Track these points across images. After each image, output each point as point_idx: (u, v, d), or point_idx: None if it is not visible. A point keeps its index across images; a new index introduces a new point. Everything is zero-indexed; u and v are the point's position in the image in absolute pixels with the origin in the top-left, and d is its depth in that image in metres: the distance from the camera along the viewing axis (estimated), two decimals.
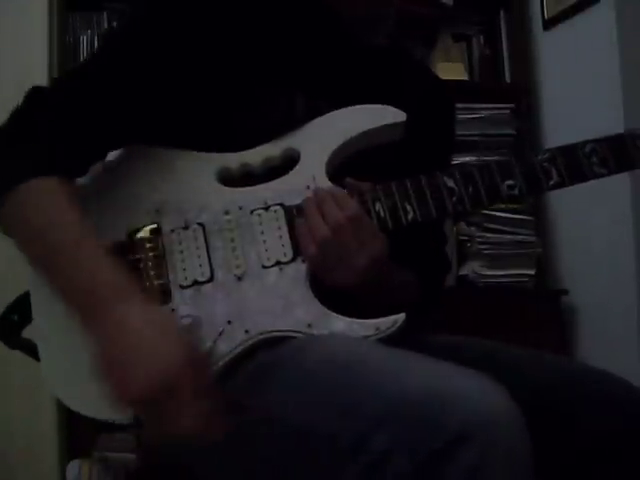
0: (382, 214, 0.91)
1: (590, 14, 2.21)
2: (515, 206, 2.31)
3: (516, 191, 0.93)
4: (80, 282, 0.78)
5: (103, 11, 2.26)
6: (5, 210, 0.86)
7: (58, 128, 0.89)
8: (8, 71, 2.07)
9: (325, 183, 0.92)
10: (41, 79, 2.06)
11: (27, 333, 0.95)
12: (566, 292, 2.28)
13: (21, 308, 0.96)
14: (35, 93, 0.93)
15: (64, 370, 0.90)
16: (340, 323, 0.86)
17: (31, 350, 0.92)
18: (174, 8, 0.97)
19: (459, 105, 2.28)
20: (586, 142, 0.94)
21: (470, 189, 0.92)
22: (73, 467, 1.95)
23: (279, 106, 0.96)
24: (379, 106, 0.96)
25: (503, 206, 2.28)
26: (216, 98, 0.96)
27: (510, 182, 0.93)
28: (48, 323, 0.92)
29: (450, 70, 2.40)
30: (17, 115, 0.92)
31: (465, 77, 2.46)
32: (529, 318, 2.15)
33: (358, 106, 0.96)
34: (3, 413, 2.00)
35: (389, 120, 0.96)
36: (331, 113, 0.96)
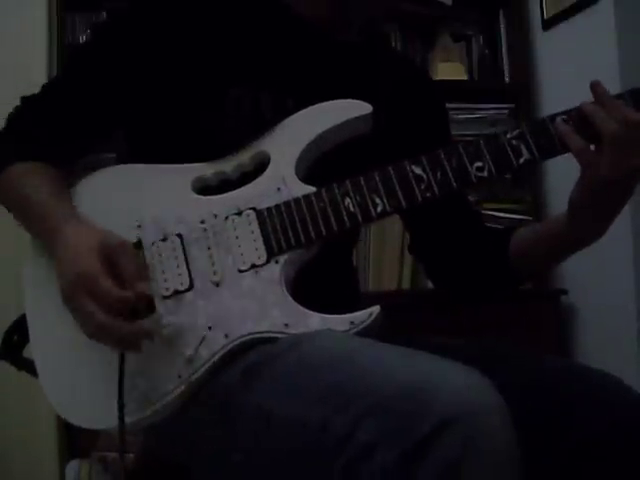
0: (352, 209, 0.91)
1: (589, 14, 2.21)
2: (515, 206, 2.31)
3: (485, 173, 0.91)
4: (42, 223, 0.95)
5: (102, 11, 2.25)
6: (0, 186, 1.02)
7: (40, 124, 1.02)
8: (8, 71, 2.07)
9: (295, 183, 0.93)
10: (40, 79, 2.06)
11: (27, 353, 1.00)
12: (565, 292, 2.27)
13: (20, 329, 0.99)
14: (23, 100, 1.06)
15: (60, 385, 0.93)
16: (316, 320, 0.87)
17: (32, 368, 0.96)
18: (139, 12, 1.02)
19: (458, 105, 2.31)
20: (555, 115, 0.93)
21: (438, 175, 0.91)
22: (72, 467, 1.95)
23: (245, 105, 0.98)
24: (343, 101, 0.97)
25: (503, 207, 2.29)
26: (182, 100, 0.99)
27: (479, 164, 0.91)
28: (44, 341, 0.96)
29: (449, 70, 2.40)
30: (9, 117, 1.06)
31: (464, 77, 2.46)
32: (528, 318, 2.14)
33: (323, 103, 0.97)
34: (2, 413, 2.00)
35: (354, 113, 0.96)
36: (297, 113, 0.97)
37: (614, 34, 2.11)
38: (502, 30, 2.53)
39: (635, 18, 2.11)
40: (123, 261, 0.87)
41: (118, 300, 0.84)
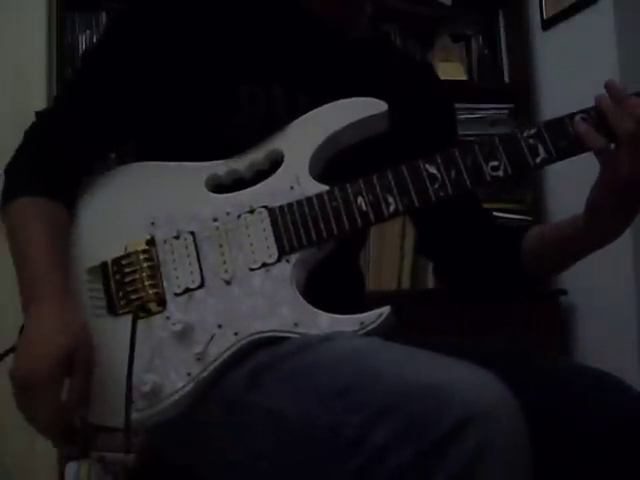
0: (364, 208, 0.91)
1: (589, 14, 2.21)
2: (514, 207, 2.31)
3: (500, 172, 0.90)
4: (23, 283, 0.92)
5: (102, 11, 2.25)
6: (5, 222, 0.98)
7: (58, 140, 1.00)
8: (7, 71, 2.07)
9: (309, 182, 0.93)
10: (40, 79, 2.06)
11: None
12: (565, 292, 2.28)
13: None
14: (38, 116, 1.04)
15: None
16: (325, 319, 0.86)
17: None
18: (150, 10, 1.01)
19: (458, 105, 2.30)
20: (575, 113, 0.91)
21: (452, 173, 0.90)
22: (72, 467, 1.95)
23: (258, 102, 0.98)
24: (359, 99, 0.96)
25: (503, 207, 2.29)
26: (194, 97, 0.99)
27: (494, 163, 0.90)
28: None
29: (449, 70, 2.40)
30: (26, 134, 1.03)
31: (464, 77, 2.47)
32: (528, 318, 2.15)
33: (338, 101, 0.96)
34: (1, 413, 2.00)
35: (370, 112, 0.96)
36: (312, 112, 0.96)
37: (613, 34, 2.11)
38: (501, 30, 2.53)
39: (634, 18, 2.11)
40: (79, 367, 0.86)
41: (52, 417, 0.85)
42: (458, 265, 1.17)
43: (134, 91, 1.01)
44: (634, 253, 2.06)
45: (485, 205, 2.41)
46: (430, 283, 2.28)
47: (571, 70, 2.25)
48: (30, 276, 0.91)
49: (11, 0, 2.14)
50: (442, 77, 2.35)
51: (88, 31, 2.24)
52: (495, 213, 2.26)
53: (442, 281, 1.23)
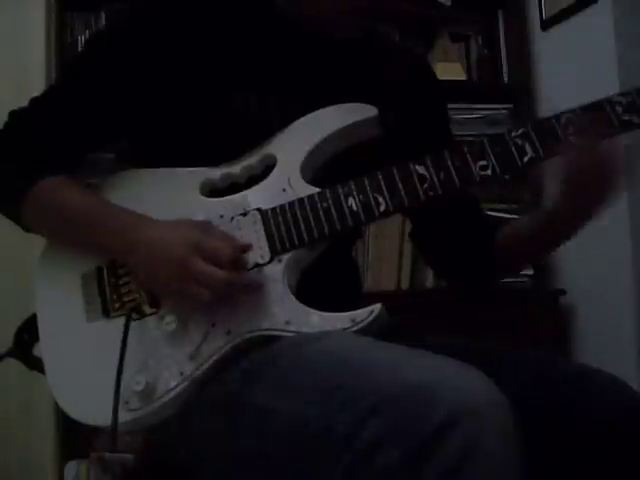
0: (355, 208, 0.92)
1: (588, 14, 2.21)
2: (513, 206, 2.31)
3: (489, 171, 0.91)
4: (107, 233, 0.94)
5: (101, 11, 2.26)
6: (26, 209, 0.98)
7: (46, 136, 1.00)
8: (6, 71, 2.07)
9: (300, 184, 0.94)
10: (39, 79, 2.07)
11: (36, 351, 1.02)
12: (564, 292, 2.28)
13: (30, 328, 1.01)
14: (16, 113, 1.03)
15: (67, 382, 0.93)
16: (317, 317, 0.87)
17: (41, 367, 0.98)
18: (139, 18, 1.01)
19: (457, 105, 2.32)
20: (562, 113, 0.92)
21: (442, 174, 0.91)
22: (71, 467, 1.95)
23: (251, 108, 0.99)
24: (349, 104, 0.98)
25: (502, 206, 2.29)
26: (188, 104, 0.99)
27: (482, 162, 0.91)
28: (53, 340, 0.97)
29: (448, 70, 2.40)
30: (5, 133, 1.03)
31: (463, 77, 2.46)
32: (527, 318, 2.15)
33: (330, 107, 0.98)
34: (1, 413, 2.00)
35: (359, 117, 0.98)
36: (304, 117, 0.98)
37: (613, 34, 2.11)
38: (501, 30, 2.53)
39: (633, 18, 2.11)
40: (215, 232, 0.91)
41: (234, 253, 0.88)
42: (440, 253, 1.20)
43: (121, 96, 1.01)
44: (633, 253, 2.06)
45: (483, 205, 2.41)
46: (429, 283, 2.28)
47: (570, 70, 2.25)
48: (102, 220, 0.94)
49: (11, 0, 2.14)
50: (441, 77, 2.35)
51: (88, 31, 2.24)
52: (494, 213, 2.26)
53: (431, 267, 1.26)
